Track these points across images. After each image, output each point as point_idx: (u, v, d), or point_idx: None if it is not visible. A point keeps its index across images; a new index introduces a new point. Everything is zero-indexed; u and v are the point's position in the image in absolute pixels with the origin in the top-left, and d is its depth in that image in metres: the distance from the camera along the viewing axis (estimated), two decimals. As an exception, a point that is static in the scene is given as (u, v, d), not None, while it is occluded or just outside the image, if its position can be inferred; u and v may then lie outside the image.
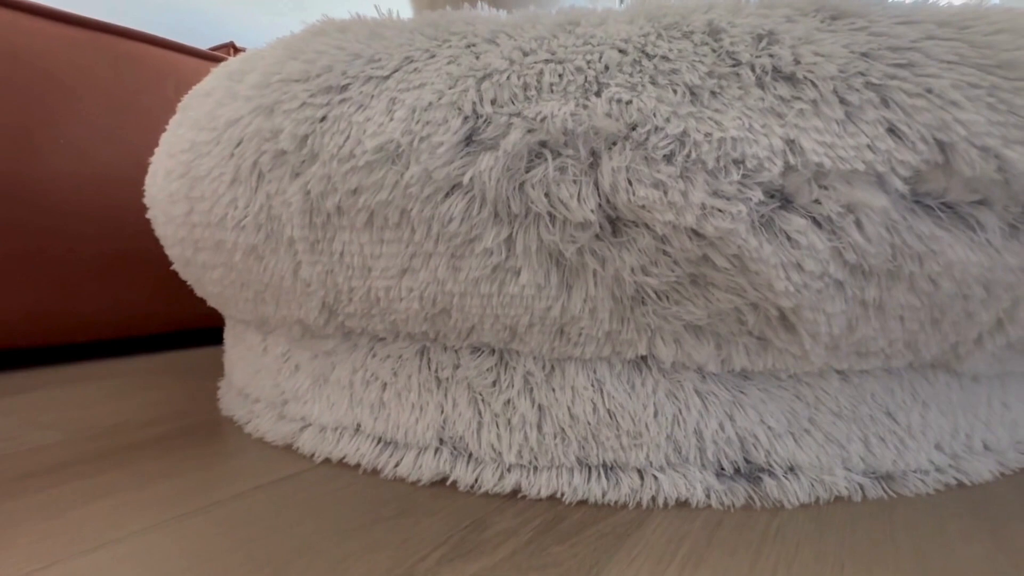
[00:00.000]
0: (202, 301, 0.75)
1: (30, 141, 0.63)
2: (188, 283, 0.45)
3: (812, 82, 0.24)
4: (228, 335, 0.50)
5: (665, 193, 0.24)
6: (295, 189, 0.29)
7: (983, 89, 0.24)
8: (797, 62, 0.25)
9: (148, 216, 0.45)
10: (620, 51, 0.25)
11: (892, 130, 0.23)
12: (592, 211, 0.24)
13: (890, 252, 0.24)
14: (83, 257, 0.67)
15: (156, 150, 0.45)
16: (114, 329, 0.72)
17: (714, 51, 0.25)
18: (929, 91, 0.24)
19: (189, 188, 0.34)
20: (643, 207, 0.24)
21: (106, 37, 0.70)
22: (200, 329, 0.80)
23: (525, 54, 0.26)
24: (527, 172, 0.25)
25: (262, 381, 0.42)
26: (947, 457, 0.32)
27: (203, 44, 1.57)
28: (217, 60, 0.80)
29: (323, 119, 0.28)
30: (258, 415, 0.41)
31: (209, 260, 0.36)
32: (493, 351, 0.31)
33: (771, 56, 0.25)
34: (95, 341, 0.73)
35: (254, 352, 0.43)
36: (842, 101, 0.24)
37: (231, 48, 1.43)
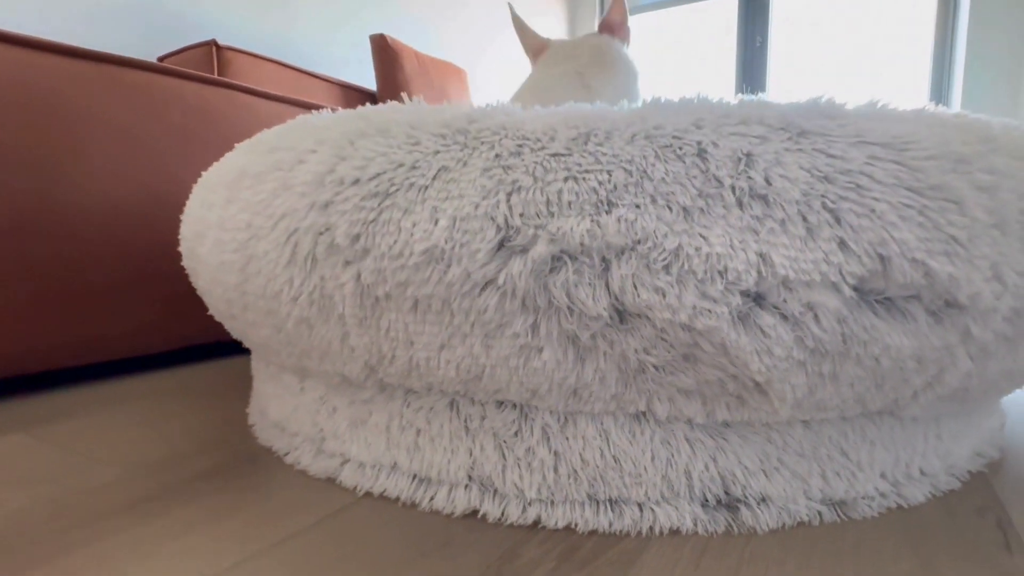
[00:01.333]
0: (203, 320, 0.79)
1: (47, 174, 0.66)
2: (223, 324, 0.50)
3: (781, 204, 0.30)
4: (259, 370, 0.55)
5: (664, 296, 0.29)
6: (348, 276, 0.34)
7: (915, 209, 0.30)
8: (769, 183, 0.30)
9: (187, 269, 0.49)
10: (626, 171, 0.31)
11: (843, 245, 0.29)
12: (604, 308, 0.30)
13: (841, 339, 0.30)
14: (95, 282, 0.71)
15: (192, 206, 0.50)
16: (126, 349, 0.76)
17: (702, 172, 0.31)
18: (872, 211, 0.30)
19: (244, 263, 0.38)
20: (646, 306, 0.30)
21: (115, 69, 0.72)
22: (201, 345, 0.84)
23: (546, 171, 0.31)
24: (550, 275, 0.30)
25: (300, 418, 0.47)
26: (890, 484, 0.38)
27: (185, 42, 1.57)
28: (219, 85, 0.82)
29: (374, 221, 0.33)
30: (297, 448, 0.46)
31: (258, 321, 0.41)
32: (515, 406, 0.37)
33: (749, 179, 0.30)
34: (108, 361, 0.77)
35: (291, 391, 0.48)
36: (804, 220, 0.30)
37: (213, 45, 1.44)
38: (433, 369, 0.35)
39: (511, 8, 0.70)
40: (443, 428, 0.39)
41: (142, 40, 1.51)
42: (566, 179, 0.31)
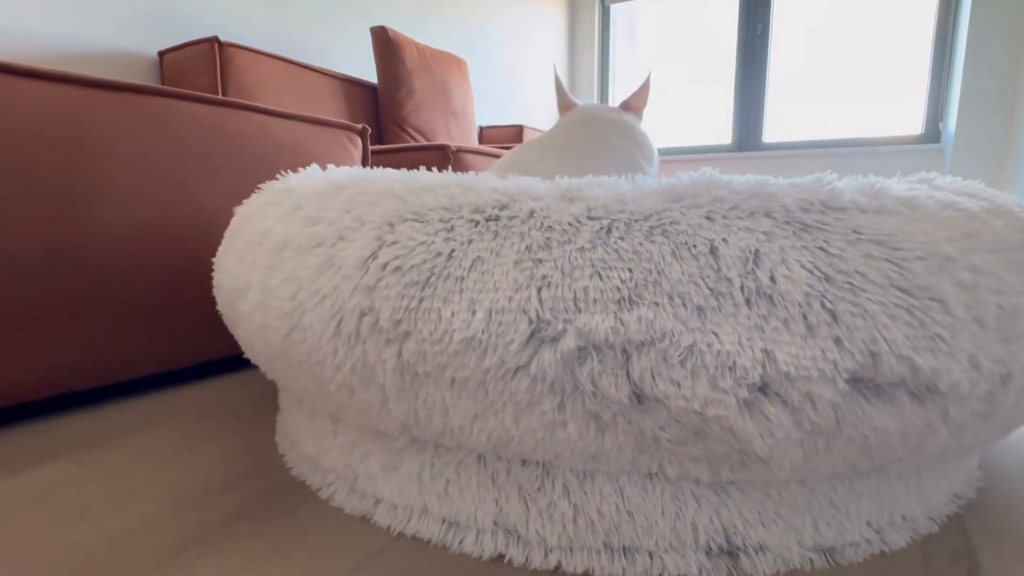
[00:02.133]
0: (219, 338, 0.82)
1: (72, 204, 0.69)
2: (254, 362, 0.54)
3: (785, 305, 0.33)
4: (289, 404, 0.59)
5: (679, 388, 0.33)
6: (390, 354, 0.37)
7: (904, 309, 0.33)
8: (774, 282, 0.34)
9: (224, 317, 0.52)
10: (646, 269, 0.34)
11: (838, 342, 0.33)
12: (625, 395, 0.34)
13: (835, 421, 0.34)
14: (119, 304, 0.74)
15: (226, 257, 0.53)
16: (147, 367, 0.79)
17: (714, 271, 0.34)
18: (866, 312, 0.33)
19: (289, 330, 0.42)
20: (663, 395, 0.33)
21: (135, 96, 0.74)
22: (218, 360, 0.88)
23: (573, 267, 0.35)
24: (578, 365, 0.34)
25: (333, 457, 0.51)
26: (874, 531, 0.43)
27: (185, 36, 1.56)
28: (234, 107, 0.84)
29: (415, 308, 0.36)
30: (331, 484, 0.50)
31: (300, 378, 0.44)
32: (539, 464, 0.41)
33: (756, 279, 0.34)
34: (129, 380, 0.81)
35: (324, 432, 0.52)
36: (805, 319, 0.33)
37: (215, 42, 1.44)
38: (466, 435, 0.39)
39: (555, 70, 0.74)
40: (471, 480, 0.43)
41: (143, 34, 1.50)
42: (591, 275, 0.34)
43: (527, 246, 0.36)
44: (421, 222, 0.39)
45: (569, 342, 0.33)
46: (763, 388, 0.33)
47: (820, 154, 2.99)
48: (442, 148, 1.22)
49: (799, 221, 0.36)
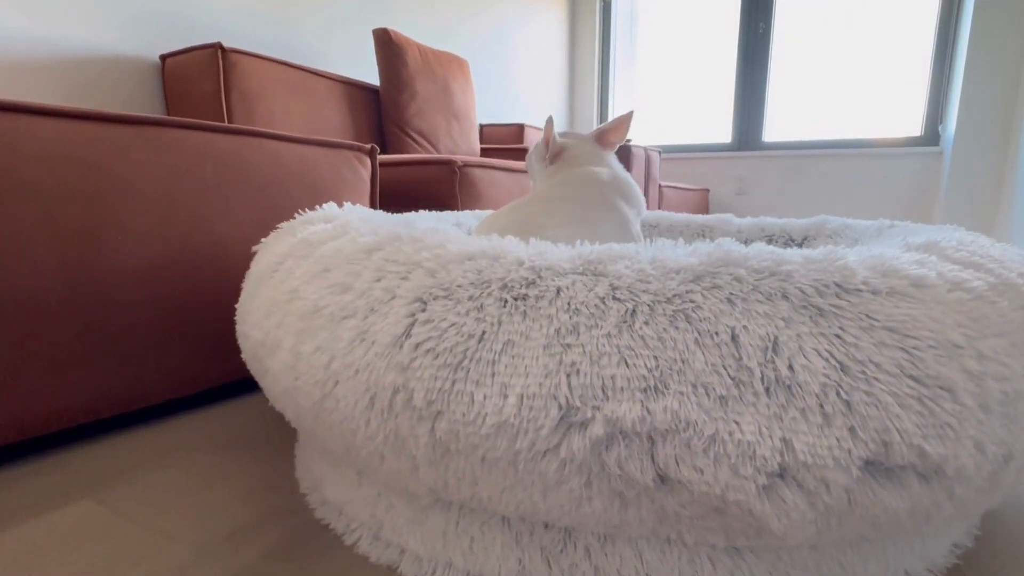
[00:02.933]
0: (231, 363, 0.83)
1: (91, 240, 0.70)
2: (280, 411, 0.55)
3: (803, 395, 0.35)
4: (309, 448, 0.60)
5: (701, 474, 0.35)
6: (423, 430, 0.39)
7: (915, 399, 0.35)
8: (792, 371, 0.35)
9: (250, 368, 0.54)
10: (671, 359, 0.36)
11: (852, 432, 0.35)
12: (651, 479, 0.35)
13: (847, 503, 0.36)
14: (135, 335, 0.75)
15: (250, 308, 0.54)
16: (162, 394, 0.80)
17: (736, 360, 0.36)
18: (879, 402, 0.35)
19: (322, 398, 0.43)
20: (686, 480, 0.35)
21: (150, 129, 0.75)
22: (229, 384, 0.89)
23: (600, 354, 0.36)
24: (605, 449, 0.36)
25: (357, 506, 0.53)
26: (877, 587, 0.45)
27: (188, 40, 1.55)
28: (247, 134, 0.85)
29: (448, 390, 0.37)
30: (355, 531, 0.52)
31: (330, 438, 0.46)
32: (562, 528, 0.43)
33: (775, 368, 0.35)
34: (144, 408, 0.82)
35: (347, 481, 0.54)
36: (821, 409, 0.35)
37: (218, 48, 1.44)
38: (494, 503, 0.41)
39: (550, 119, 0.75)
40: (495, 539, 0.45)
41: (144, 38, 1.50)
42: (618, 363, 0.36)
43: (555, 329, 0.38)
44: (451, 300, 0.40)
45: (597, 429, 0.35)
46: (781, 474, 0.35)
47: (819, 154, 3.01)
48: (448, 163, 1.23)
49: (815, 306, 0.38)
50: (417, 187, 1.26)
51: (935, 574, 0.48)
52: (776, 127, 3.17)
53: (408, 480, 0.43)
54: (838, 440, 0.35)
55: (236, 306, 0.63)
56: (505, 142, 2.55)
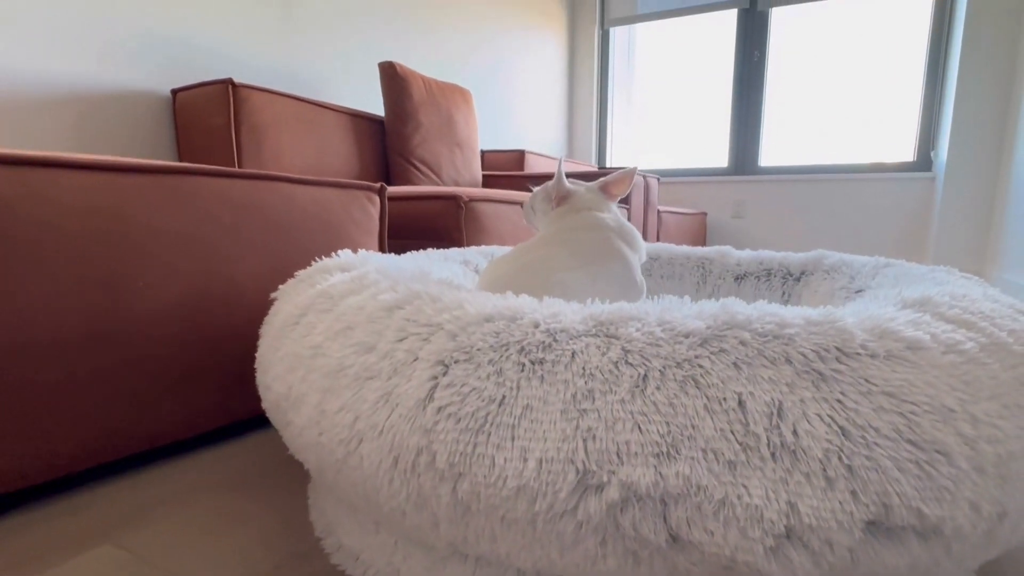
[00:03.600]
0: (245, 400, 0.85)
1: (114, 286, 0.72)
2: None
3: (807, 460, 0.37)
4: (324, 493, 0.62)
5: (712, 536, 0.37)
6: (445, 490, 0.41)
7: (913, 463, 0.37)
8: (796, 436, 0.38)
9: (271, 418, 0.56)
10: (682, 424, 0.38)
11: (854, 495, 0.37)
12: (664, 540, 0.37)
13: (850, 562, 0.38)
14: (153, 376, 0.77)
15: (271, 360, 0.56)
16: (179, 432, 0.82)
17: (743, 425, 0.38)
18: (879, 467, 0.37)
19: (346, 455, 0.45)
20: (698, 541, 0.37)
21: (170, 177, 0.77)
22: (237, 422, 0.91)
23: (615, 420, 0.38)
24: (620, 512, 0.38)
25: (374, 553, 0.54)
26: (879, 636, 0.46)
27: (201, 78, 1.59)
28: (262, 178, 0.87)
29: (470, 454, 0.39)
30: (372, 577, 0.54)
31: (352, 493, 0.48)
32: (576, 580, 0.45)
33: (780, 434, 0.38)
34: (162, 446, 0.84)
35: (364, 529, 0.55)
36: (824, 473, 0.37)
37: (229, 84, 1.47)
38: (512, 559, 0.42)
39: (560, 163, 0.78)
40: (512, 590, 0.46)
41: (156, 74, 1.53)
42: (632, 428, 0.38)
43: (572, 395, 0.40)
44: (472, 363, 0.42)
45: (613, 493, 0.37)
46: (787, 536, 0.37)
47: (814, 179, 3.05)
48: (454, 198, 1.26)
49: (817, 371, 0.40)
50: (423, 221, 1.29)
51: (936, 622, 0.49)
52: (772, 152, 3.22)
53: (428, 535, 0.45)
54: (841, 503, 0.37)
55: (256, 355, 0.65)
56: (506, 167, 2.59)
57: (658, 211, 2.58)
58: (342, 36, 2.04)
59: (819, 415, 0.38)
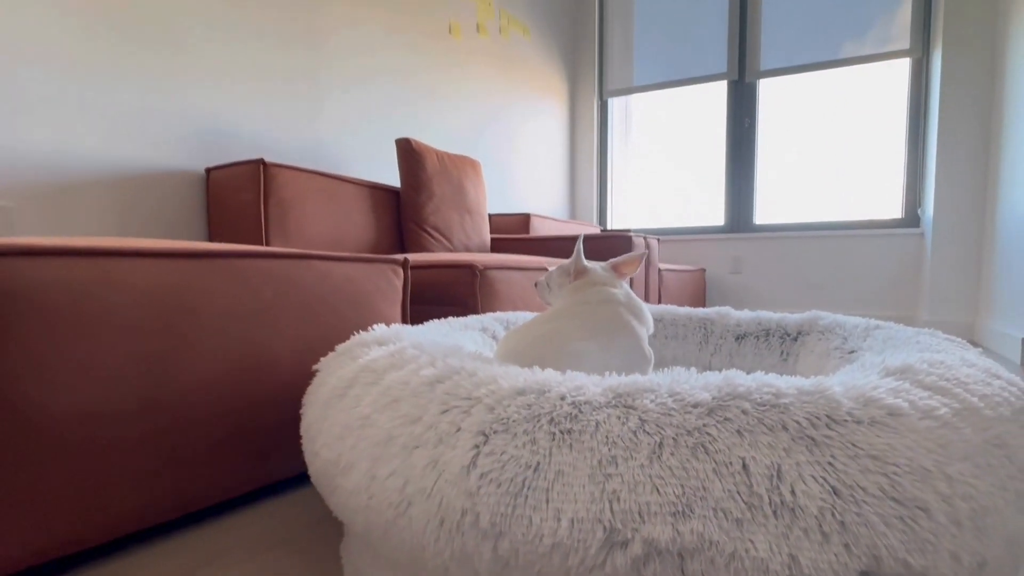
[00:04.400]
0: (279, 463, 0.89)
1: (168, 359, 0.78)
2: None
3: (804, 517, 0.43)
4: (360, 551, 0.67)
5: (725, 586, 0.42)
6: (487, 548, 0.46)
7: (897, 518, 0.43)
8: (794, 495, 0.43)
9: (316, 483, 0.61)
10: (695, 487, 0.44)
11: (847, 548, 0.42)
12: (682, 591, 0.43)
13: (848, 609, 0.43)
14: (198, 441, 0.82)
15: (319, 427, 0.62)
16: (218, 495, 0.87)
17: (748, 487, 0.44)
18: (868, 522, 0.43)
19: (395, 517, 0.50)
20: (712, 592, 0.42)
21: (221, 260, 0.85)
22: (269, 485, 0.95)
23: (636, 482, 0.44)
24: (643, 566, 0.43)
25: (414, 609, 0.58)
26: None
27: (233, 158, 1.71)
28: (300, 257, 0.95)
29: (510, 515, 0.45)
30: (411, 633, 0.58)
31: (398, 552, 0.53)
32: (604, 631, 0.49)
33: (779, 494, 0.43)
34: (198, 511, 0.88)
35: (404, 584, 0.60)
36: (820, 528, 0.43)
37: (261, 163, 1.58)
38: (546, 610, 0.47)
39: (580, 242, 0.87)
40: (545, 642, 0.51)
41: (192, 155, 1.65)
42: (651, 491, 0.44)
43: (598, 461, 0.46)
44: (509, 433, 0.48)
45: (636, 549, 0.43)
46: (791, 585, 0.42)
47: (808, 236, 3.16)
48: (470, 267, 1.34)
49: (810, 436, 0.46)
50: (440, 288, 1.36)
51: (936, 670, 0.53)
52: (766, 210, 3.34)
53: (469, 589, 0.50)
54: (836, 556, 0.42)
55: (302, 424, 0.71)
56: (512, 230, 2.70)
57: (659, 269, 2.67)
58: (362, 116, 2.18)
59: (813, 476, 0.44)
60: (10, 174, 1.31)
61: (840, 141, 3.17)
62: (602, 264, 0.87)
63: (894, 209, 3.02)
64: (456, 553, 0.48)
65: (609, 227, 3.78)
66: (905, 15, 2.93)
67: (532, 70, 3.33)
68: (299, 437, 0.94)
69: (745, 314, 1.28)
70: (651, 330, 0.84)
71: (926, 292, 2.84)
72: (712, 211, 3.47)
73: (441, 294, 1.36)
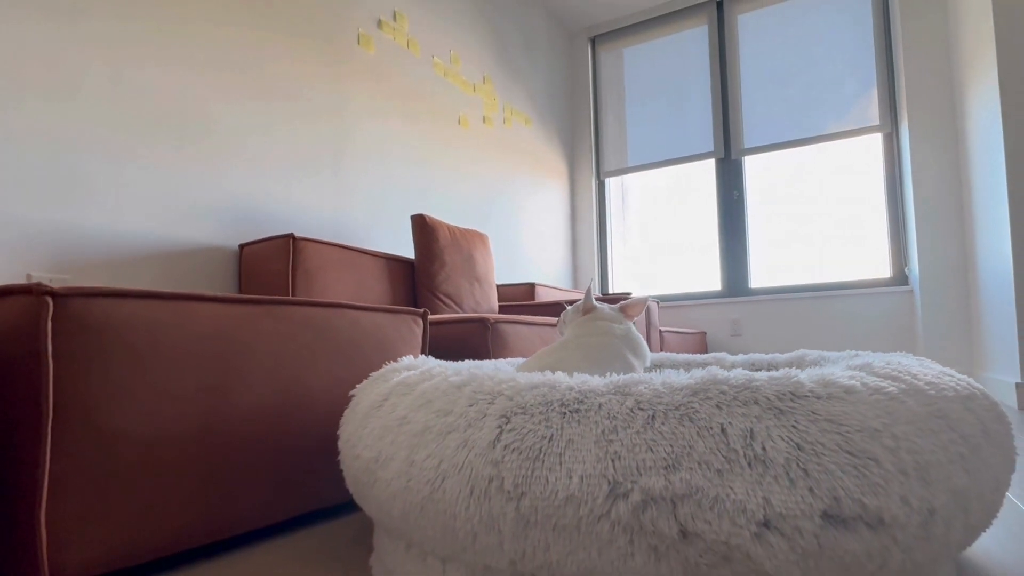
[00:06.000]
0: (313, 493, 0.96)
1: (223, 394, 0.88)
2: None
3: (773, 467, 0.52)
4: (395, 550, 0.74)
5: (711, 525, 0.50)
6: (510, 508, 0.55)
7: (851, 466, 0.52)
8: (764, 451, 0.52)
9: (353, 479, 0.70)
10: (682, 446, 0.53)
11: (811, 491, 0.51)
12: (675, 533, 0.51)
13: (817, 546, 0.51)
14: (241, 469, 0.91)
15: (358, 432, 0.71)
16: (257, 520, 0.94)
17: (726, 445, 0.53)
18: (827, 470, 0.51)
19: (431, 492, 0.59)
20: (701, 532, 0.50)
21: (270, 307, 0.97)
22: (305, 514, 1.02)
23: (634, 444, 0.54)
24: (641, 512, 0.51)
25: (444, 594, 0.65)
26: (867, 637, 0.57)
27: (265, 233, 1.86)
28: (334, 306, 1.07)
29: (530, 476, 0.54)
30: (442, 618, 0.64)
31: (431, 526, 0.61)
32: (614, 588, 0.56)
33: (752, 450, 0.52)
34: (242, 534, 0.95)
35: (434, 571, 0.67)
36: (787, 476, 0.51)
37: (291, 238, 1.74)
38: (560, 566, 0.55)
39: (591, 285, 1.00)
40: (564, 604, 0.58)
41: (225, 231, 1.81)
42: (646, 450, 0.53)
43: (601, 431, 0.55)
44: (527, 415, 0.58)
45: (636, 497, 0.51)
46: (766, 524, 0.51)
47: (802, 297, 3.27)
48: (482, 321, 1.46)
49: (777, 407, 0.56)
50: (456, 341, 1.47)
51: (916, 629, 0.59)
52: (762, 274, 3.48)
53: (493, 554, 0.58)
54: (802, 497, 0.51)
55: (339, 441, 0.80)
56: (518, 298, 2.83)
57: (660, 331, 2.76)
58: (381, 195, 2.39)
59: (780, 436, 0.54)
60: (69, 251, 1.46)
61: (828, 207, 3.36)
62: (612, 306, 0.99)
63: (883, 269, 3.16)
64: (484, 517, 0.56)
65: (611, 294, 3.92)
66: (873, 96, 3.21)
67: (534, 154, 3.60)
68: (330, 471, 1.02)
69: (739, 357, 1.38)
70: (647, 364, 0.94)
71: (921, 345, 2.91)
72: (709, 276, 3.62)
73: (457, 346, 1.47)
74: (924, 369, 0.72)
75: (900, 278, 3.10)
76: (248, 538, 0.97)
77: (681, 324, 3.63)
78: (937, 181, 2.88)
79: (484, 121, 3.13)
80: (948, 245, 2.86)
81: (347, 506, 1.16)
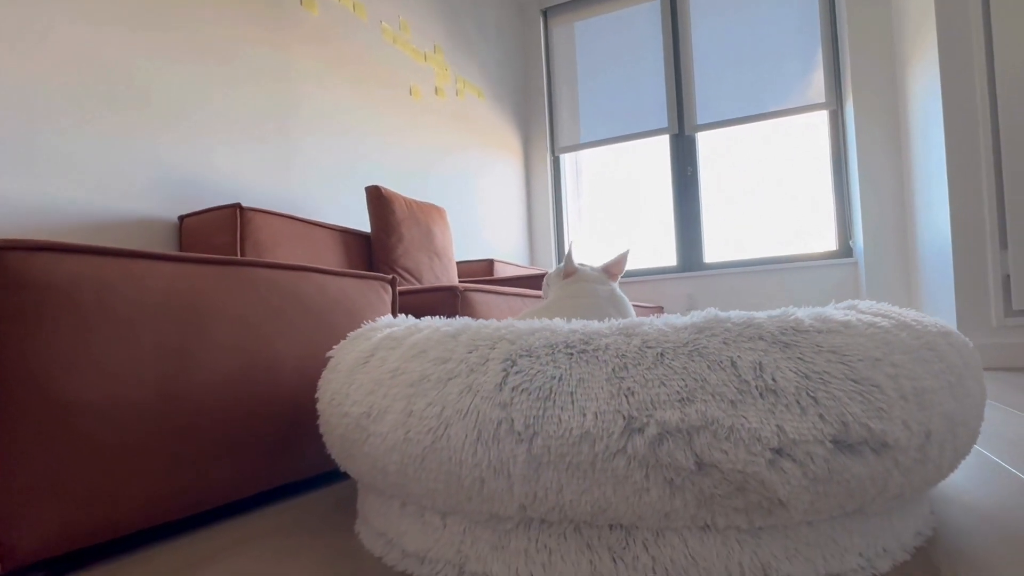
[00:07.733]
0: (290, 464, 0.92)
1: (184, 358, 0.82)
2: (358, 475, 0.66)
3: (784, 396, 0.52)
4: (388, 508, 0.71)
5: (726, 455, 0.50)
6: (521, 450, 0.53)
7: (857, 393, 0.53)
8: (775, 381, 0.52)
9: (339, 437, 0.66)
10: (695, 379, 0.52)
11: (822, 417, 0.51)
12: (692, 464, 0.50)
13: (827, 471, 0.51)
14: (211, 440, 0.85)
15: (344, 389, 0.68)
16: (231, 494, 0.88)
17: (737, 377, 0.53)
18: (835, 397, 0.52)
19: (433, 441, 0.57)
20: (716, 461, 0.50)
21: (233, 268, 0.91)
22: (286, 485, 0.97)
23: (647, 380, 0.53)
24: (658, 445, 0.51)
25: (442, 548, 0.63)
26: (866, 560, 0.58)
27: (211, 203, 1.76)
28: (302, 269, 1.02)
29: (541, 416, 0.52)
30: (439, 572, 0.62)
31: (432, 479, 0.58)
32: (623, 527, 0.56)
33: (763, 380, 0.52)
34: (210, 509, 0.89)
35: (432, 527, 0.64)
36: (798, 404, 0.52)
37: (238, 208, 1.65)
38: (573, 507, 0.54)
39: (570, 246, 0.98)
40: (570, 547, 0.57)
41: (167, 202, 1.70)
42: (659, 385, 0.52)
43: (612, 369, 0.54)
44: (532, 357, 0.56)
45: (652, 430, 0.51)
46: (780, 451, 0.51)
47: (754, 270, 3.38)
48: (452, 289, 1.42)
49: (782, 341, 0.56)
50: (425, 309, 1.43)
51: (907, 551, 0.62)
52: (715, 249, 3.58)
53: (501, 500, 0.56)
54: (812, 424, 0.51)
55: (318, 405, 0.76)
56: (477, 275, 2.80)
57: (621, 306, 2.80)
58: (332, 165, 2.29)
59: (788, 367, 0.54)
60: (-8, 220, 1.32)
61: (776, 183, 3.48)
62: (593, 266, 0.97)
63: (829, 242, 3.30)
64: (492, 461, 0.54)
65: (568, 275, 3.95)
66: (819, 74, 3.33)
67: (489, 129, 3.55)
68: (306, 441, 0.97)
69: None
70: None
71: (863, 315, 3.07)
72: (665, 252, 3.69)
73: (427, 314, 1.43)
74: (902, 311, 0.74)
75: (845, 251, 3.25)
76: (225, 511, 0.92)
77: (640, 298, 3.69)
78: (880, 157, 3.03)
79: (437, 92, 3.06)
80: (890, 219, 3.01)
81: (325, 477, 1.11)
